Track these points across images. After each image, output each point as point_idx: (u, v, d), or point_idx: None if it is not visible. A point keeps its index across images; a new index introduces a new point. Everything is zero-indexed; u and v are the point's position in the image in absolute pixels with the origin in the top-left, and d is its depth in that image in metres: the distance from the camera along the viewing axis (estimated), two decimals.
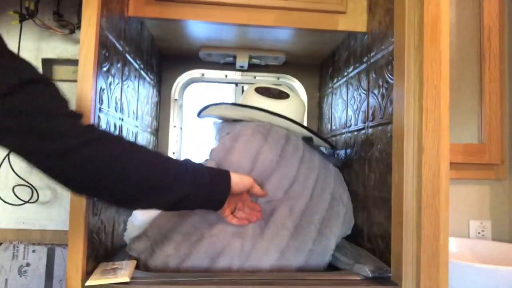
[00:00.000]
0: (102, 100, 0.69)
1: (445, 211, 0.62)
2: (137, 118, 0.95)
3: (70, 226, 0.61)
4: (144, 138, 1.05)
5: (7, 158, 1.01)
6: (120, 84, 0.80)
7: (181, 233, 0.71)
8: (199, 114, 1.02)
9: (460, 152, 1.05)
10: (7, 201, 1.01)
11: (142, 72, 0.99)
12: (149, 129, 1.11)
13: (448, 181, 0.63)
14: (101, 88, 0.68)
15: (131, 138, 0.90)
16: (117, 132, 0.78)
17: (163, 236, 0.72)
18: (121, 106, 0.81)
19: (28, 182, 1.02)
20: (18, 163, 1.04)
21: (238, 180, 0.68)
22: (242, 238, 0.71)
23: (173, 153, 1.28)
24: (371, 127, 0.82)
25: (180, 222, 0.73)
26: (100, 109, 0.68)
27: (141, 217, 0.81)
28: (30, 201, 1.03)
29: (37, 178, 1.04)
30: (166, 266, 0.68)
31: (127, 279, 0.59)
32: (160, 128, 1.25)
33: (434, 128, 0.62)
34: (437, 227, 0.61)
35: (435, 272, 0.61)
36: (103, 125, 0.70)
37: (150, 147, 1.15)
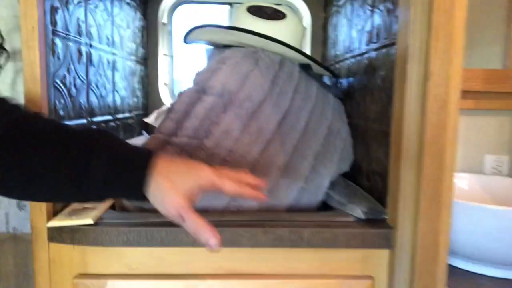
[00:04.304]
0: (55, 22, 0.59)
1: (451, 149, 0.53)
2: (113, 45, 0.85)
3: None
4: (126, 67, 0.95)
5: None
6: (83, 3, 0.69)
7: None
8: (185, 39, 0.91)
9: (480, 78, 0.92)
10: None
11: None
12: (133, 57, 1.01)
13: (458, 114, 0.53)
14: (52, 6, 0.58)
15: (106, 67, 0.81)
16: (84, 60, 0.70)
17: None
18: (87, 29, 0.71)
19: None
20: None
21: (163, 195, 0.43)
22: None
23: (165, 84, 1.19)
24: (374, 50, 0.71)
25: None
26: (54, 32, 0.58)
27: None
28: None
29: None
30: (142, 206, 0.63)
31: (90, 221, 0.54)
32: (149, 57, 1.15)
33: (444, 49, 0.51)
34: (441, 166, 0.53)
35: (435, 216, 0.54)
36: (61, 52, 0.61)
37: (137, 78, 1.06)
